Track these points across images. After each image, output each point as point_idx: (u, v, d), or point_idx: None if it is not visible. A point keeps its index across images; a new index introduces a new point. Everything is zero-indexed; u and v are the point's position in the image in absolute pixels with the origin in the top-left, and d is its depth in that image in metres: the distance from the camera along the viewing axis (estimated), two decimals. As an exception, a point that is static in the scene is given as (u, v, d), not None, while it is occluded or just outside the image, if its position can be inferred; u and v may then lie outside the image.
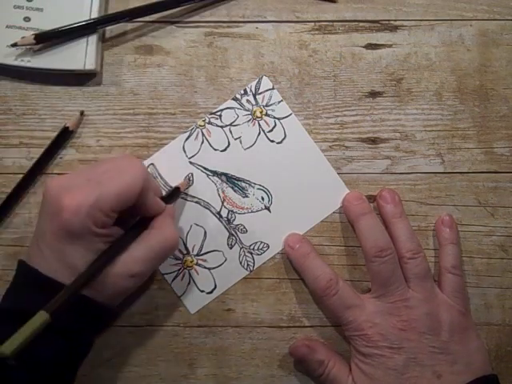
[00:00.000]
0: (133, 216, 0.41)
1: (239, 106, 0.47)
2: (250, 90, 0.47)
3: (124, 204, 0.38)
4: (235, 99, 0.47)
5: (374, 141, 0.47)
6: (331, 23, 0.48)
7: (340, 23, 0.48)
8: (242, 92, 0.47)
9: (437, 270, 0.46)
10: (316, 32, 0.48)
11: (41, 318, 0.33)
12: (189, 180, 0.46)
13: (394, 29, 0.48)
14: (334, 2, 0.48)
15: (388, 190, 0.46)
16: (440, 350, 0.42)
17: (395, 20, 0.48)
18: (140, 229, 0.40)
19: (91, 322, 0.39)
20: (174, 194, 0.44)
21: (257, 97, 0.47)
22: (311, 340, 0.45)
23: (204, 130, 0.47)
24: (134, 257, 0.39)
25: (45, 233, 0.38)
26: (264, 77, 0.47)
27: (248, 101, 0.47)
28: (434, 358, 0.42)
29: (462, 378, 0.42)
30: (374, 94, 0.48)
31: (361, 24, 0.48)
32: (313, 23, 0.48)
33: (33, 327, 0.33)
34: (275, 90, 0.47)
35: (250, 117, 0.47)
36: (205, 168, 0.47)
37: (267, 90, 0.47)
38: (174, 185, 0.46)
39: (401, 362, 0.42)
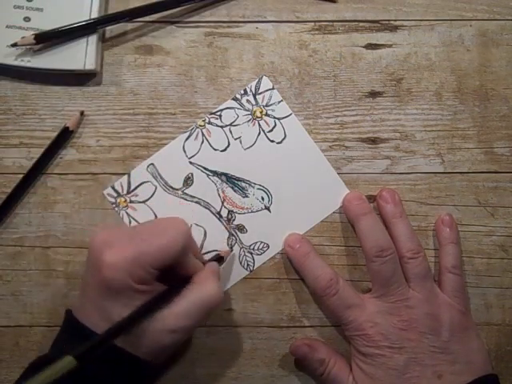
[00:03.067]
0: (175, 274, 0.40)
1: (239, 106, 0.47)
2: (250, 90, 0.47)
3: (164, 261, 0.38)
4: (235, 99, 0.47)
5: (374, 141, 0.47)
6: (331, 23, 0.48)
7: (340, 23, 0.48)
8: (242, 92, 0.47)
9: (437, 270, 0.46)
10: (316, 32, 0.48)
11: (65, 362, 0.33)
12: (231, 249, 0.46)
13: (393, 29, 0.48)
14: (334, 1, 0.48)
15: (388, 190, 0.46)
16: (440, 350, 0.42)
17: (395, 20, 0.48)
18: (181, 285, 0.40)
19: (127, 375, 0.38)
20: (216, 260, 0.44)
21: (257, 97, 0.47)
22: (312, 339, 0.45)
23: (204, 130, 0.47)
24: (175, 312, 0.38)
25: (87, 287, 0.38)
26: (264, 77, 0.47)
27: (248, 101, 0.47)
28: (434, 357, 0.42)
29: (462, 378, 0.42)
30: (374, 94, 0.48)
31: (361, 24, 0.48)
32: (313, 23, 0.48)
33: (55, 370, 0.32)
34: (275, 90, 0.47)
35: (250, 117, 0.47)
36: (205, 168, 0.47)
37: (267, 90, 0.47)
38: (174, 185, 0.46)
39: (401, 362, 0.42)
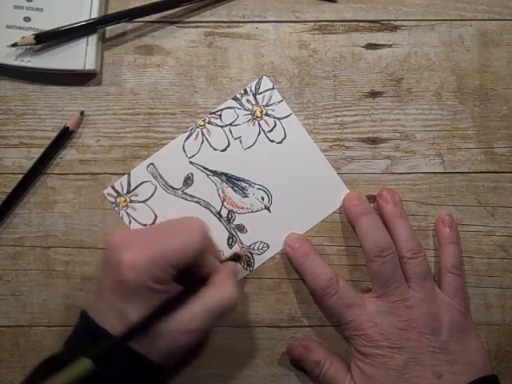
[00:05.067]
0: (192, 274, 0.40)
1: (239, 106, 0.47)
2: (250, 90, 0.47)
3: (183, 261, 0.38)
4: (235, 99, 0.47)
5: (373, 141, 0.47)
6: (331, 23, 0.48)
7: (340, 23, 0.48)
8: (242, 92, 0.47)
9: (437, 270, 0.46)
10: (316, 32, 0.48)
11: (82, 364, 0.33)
12: (248, 248, 0.46)
13: (394, 29, 0.48)
14: (334, 1, 0.48)
15: (388, 190, 0.46)
16: (440, 350, 0.42)
17: (395, 20, 0.48)
18: (198, 285, 0.40)
19: (141, 379, 0.38)
20: (234, 259, 0.44)
21: (257, 96, 0.47)
22: (308, 340, 0.45)
23: (204, 130, 0.47)
24: (191, 313, 0.38)
25: (103, 287, 0.38)
26: (264, 77, 0.47)
27: (248, 100, 0.47)
28: (434, 357, 0.42)
29: (462, 378, 0.42)
30: (374, 94, 0.48)
31: (361, 24, 0.48)
32: (313, 23, 0.48)
33: (72, 372, 0.32)
34: (275, 90, 0.47)
35: (250, 117, 0.47)
36: (205, 168, 0.47)
37: (267, 90, 0.47)
38: (174, 185, 0.46)
39: (401, 362, 0.41)
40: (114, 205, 0.46)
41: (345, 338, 0.46)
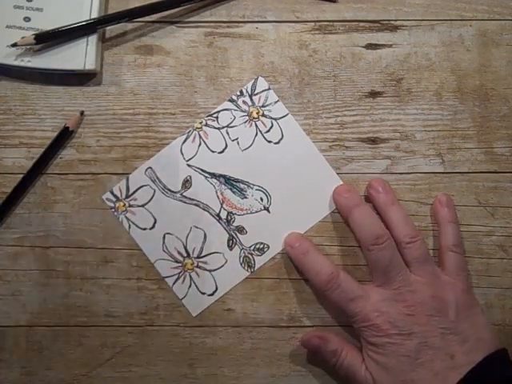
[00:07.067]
0: None
1: (235, 108, 0.47)
2: (246, 91, 0.47)
3: None
4: (231, 100, 0.47)
5: (374, 141, 0.47)
6: (331, 23, 0.48)
7: (340, 23, 0.48)
8: (238, 93, 0.47)
9: (437, 266, 0.46)
10: (316, 32, 0.48)
11: None
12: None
13: (394, 29, 0.48)
14: (334, 1, 0.48)
15: (377, 180, 0.46)
16: (449, 331, 0.42)
17: (395, 20, 0.48)
18: None
19: None
20: None
21: (253, 98, 0.47)
22: (322, 331, 0.45)
23: (201, 133, 0.47)
24: None
25: None
26: (260, 77, 0.47)
27: (244, 102, 0.47)
28: (444, 339, 0.41)
29: (473, 356, 0.41)
30: (374, 94, 0.48)
31: (361, 24, 0.48)
32: (313, 23, 0.48)
33: None
34: (271, 91, 0.47)
35: (247, 118, 0.47)
36: (203, 170, 0.47)
37: (263, 91, 0.47)
38: (173, 188, 0.46)
39: (413, 348, 0.41)
40: (113, 209, 0.46)
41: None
